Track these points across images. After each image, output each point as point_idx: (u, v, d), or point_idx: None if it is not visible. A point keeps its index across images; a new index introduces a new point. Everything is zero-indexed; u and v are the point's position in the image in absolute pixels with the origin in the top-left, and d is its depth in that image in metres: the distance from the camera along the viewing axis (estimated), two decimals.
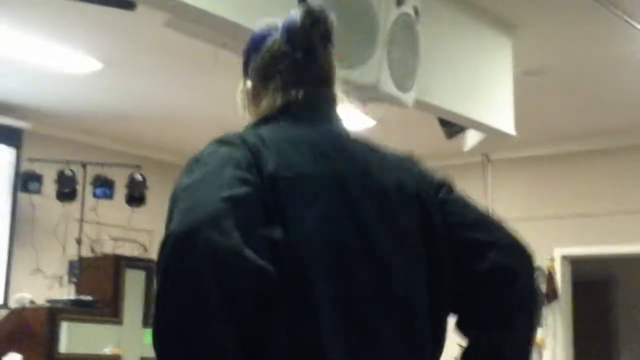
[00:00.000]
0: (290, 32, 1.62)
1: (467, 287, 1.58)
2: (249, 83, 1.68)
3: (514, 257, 1.60)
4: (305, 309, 1.40)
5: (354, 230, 1.49)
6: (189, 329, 1.29)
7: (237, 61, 1.78)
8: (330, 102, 1.66)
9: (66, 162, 7.84)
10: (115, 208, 7.92)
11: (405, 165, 1.70)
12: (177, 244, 1.31)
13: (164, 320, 1.32)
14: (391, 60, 4.08)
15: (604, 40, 5.98)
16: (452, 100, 5.34)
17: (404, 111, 7.39)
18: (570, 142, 8.32)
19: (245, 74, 1.69)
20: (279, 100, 1.62)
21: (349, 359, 1.42)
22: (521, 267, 1.59)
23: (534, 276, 1.62)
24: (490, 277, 1.56)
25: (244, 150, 1.47)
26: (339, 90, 1.68)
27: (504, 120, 5.89)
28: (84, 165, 7.85)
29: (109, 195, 7.84)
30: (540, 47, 6.13)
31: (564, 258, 8.35)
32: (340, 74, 1.70)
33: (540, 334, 7.99)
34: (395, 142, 8.01)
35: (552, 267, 8.20)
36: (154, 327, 1.32)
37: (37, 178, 7.68)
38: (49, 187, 7.69)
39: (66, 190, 7.67)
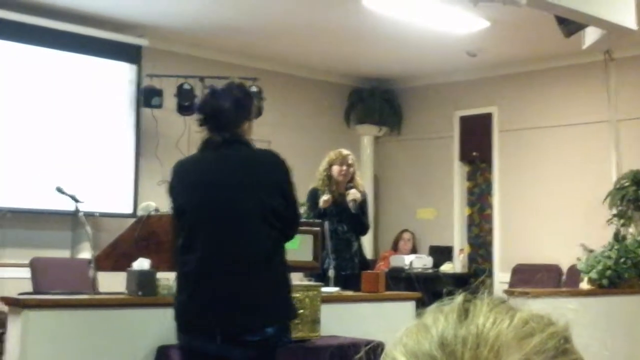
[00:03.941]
0: (201, 106, 3.58)
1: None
2: None
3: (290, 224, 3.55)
4: (194, 228, 3.40)
5: (217, 197, 3.38)
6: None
7: None
8: (228, 139, 3.42)
9: (184, 76, 8.02)
10: None
11: (265, 163, 3.49)
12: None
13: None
14: None
15: None
16: None
17: (519, 11, 7.19)
18: None
19: None
20: (204, 139, 3.49)
21: (205, 244, 3.37)
22: (291, 228, 3.58)
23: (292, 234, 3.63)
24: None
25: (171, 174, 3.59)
26: (240, 131, 3.47)
27: (625, 14, 5.66)
28: (201, 79, 8.01)
29: None
30: None
31: None
32: None
33: None
34: (512, 43, 7.84)
35: None
36: None
37: (158, 93, 7.89)
38: (169, 101, 7.90)
39: (186, 104, 7.87)
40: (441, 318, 0.78)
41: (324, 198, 5.98)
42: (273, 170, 3.44)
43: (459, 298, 0.80)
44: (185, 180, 3.50)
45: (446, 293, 0.83)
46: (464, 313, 0.78)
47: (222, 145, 3.44)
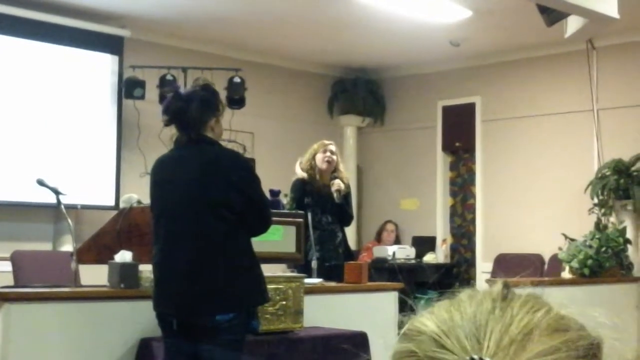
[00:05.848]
0: (165, 108, 3.70)
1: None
2: None
3: (254, 218, 3.71)
4: (158, 221, 3.70)
5: (176, 192, 3.64)
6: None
7: None
8: (195, 138, 3.66)
9: (167, 67, 7.98)
10: None
11: (223, 162, 3.65)
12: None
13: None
14: None
15: None
16: None
17: (502, 0, 7.20)
18: None
19: None
20: (174, 138, 3.75)
21: (165, 236, 3.66)
22: (256, 222, 3.73)
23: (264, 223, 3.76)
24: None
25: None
26: (207, 128, 3.70)
27: (607, 3, 5.68)
28: (184, 70, 7.97)
29: None
30: None
31: None
32: None
33: None
34: (495, 33, 7.88)
35: None
36: None
37: (140, 84, 7.85)
38: (152, 92, 7.86)
39: None
40: (478, 296, 0.79)
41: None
42: (229, 169, 3.61)
43: (499, 284, 0.80)
44: (154, 178, 3.80)
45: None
46: (502, 296, 0.78)
47: (186, 145, 3.69)
